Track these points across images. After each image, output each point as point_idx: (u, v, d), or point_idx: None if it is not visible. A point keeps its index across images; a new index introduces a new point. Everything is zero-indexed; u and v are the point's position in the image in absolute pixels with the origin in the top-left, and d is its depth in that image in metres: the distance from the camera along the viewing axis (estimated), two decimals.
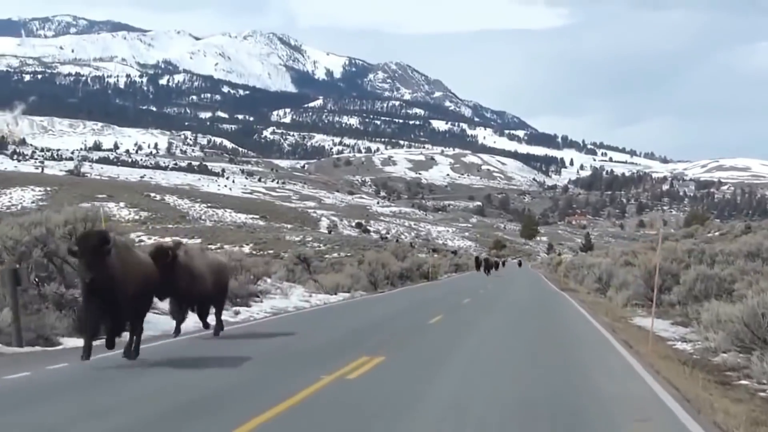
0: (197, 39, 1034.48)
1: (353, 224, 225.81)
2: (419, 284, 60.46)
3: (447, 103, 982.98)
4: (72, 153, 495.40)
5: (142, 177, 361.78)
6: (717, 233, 78.09)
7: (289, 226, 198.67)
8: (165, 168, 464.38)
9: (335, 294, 42.39)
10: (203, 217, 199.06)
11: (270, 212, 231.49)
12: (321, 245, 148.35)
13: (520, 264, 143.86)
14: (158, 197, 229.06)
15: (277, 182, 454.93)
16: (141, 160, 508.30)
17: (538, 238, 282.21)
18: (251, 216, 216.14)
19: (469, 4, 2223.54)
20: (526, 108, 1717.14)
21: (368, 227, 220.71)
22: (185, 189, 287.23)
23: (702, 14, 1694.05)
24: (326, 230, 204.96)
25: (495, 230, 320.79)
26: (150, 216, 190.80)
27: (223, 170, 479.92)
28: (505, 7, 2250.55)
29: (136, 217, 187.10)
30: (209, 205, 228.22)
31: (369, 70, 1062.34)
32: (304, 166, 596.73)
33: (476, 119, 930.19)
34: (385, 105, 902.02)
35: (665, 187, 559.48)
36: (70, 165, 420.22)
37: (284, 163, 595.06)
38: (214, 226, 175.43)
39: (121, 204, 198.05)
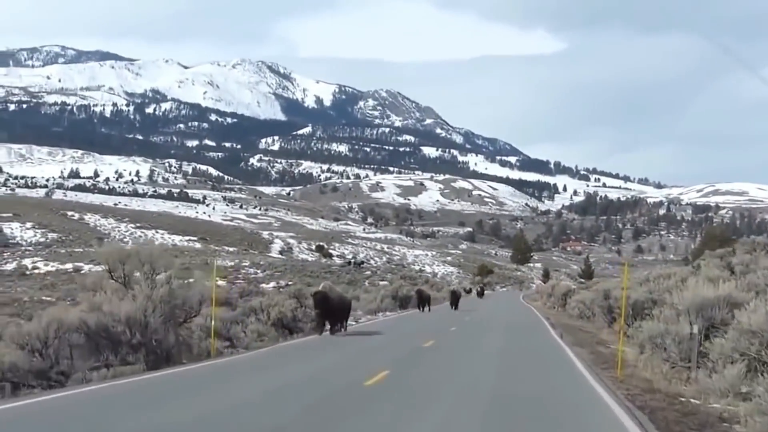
0: (186, 68, 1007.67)
1: (313, 247, 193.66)
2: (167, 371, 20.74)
3: (438, 130, 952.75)
4: (47, 180, 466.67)
5: (116, 204, 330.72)
6: None
7: (231, 249, 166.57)
8: (143, 195, 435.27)
9: None
10: (127, 238, 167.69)
11: (210, 233, 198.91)
12: (258, 271, 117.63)
13: (480, 293, 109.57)
14: (76, 216, 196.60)
15: (260, 209, 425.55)
16: (119, 187, 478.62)
17: (531, 265, 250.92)
18: (188, 238, 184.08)
19: (466, 33, 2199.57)
20: (519, 135, 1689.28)
21: (330, 251, 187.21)
22: (110, 207, 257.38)
23: (703, 40, 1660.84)
24: (278, 254, 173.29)
25: (485, 256, 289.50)
26: (59, 238, 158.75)
27: (205, 197, 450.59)
28: (504, 33, 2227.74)
29: (42, 240, 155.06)
30: (137, 225, 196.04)
31: (359, 98, 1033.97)
32: (289, 193, 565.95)
33: (467, 146, 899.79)
34: (374, 132, 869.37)
35: (662, 211, 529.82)
36: (43, 192, 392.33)
37: (269, 190, 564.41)
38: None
39: (28, 224, 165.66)
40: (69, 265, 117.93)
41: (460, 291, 69.30)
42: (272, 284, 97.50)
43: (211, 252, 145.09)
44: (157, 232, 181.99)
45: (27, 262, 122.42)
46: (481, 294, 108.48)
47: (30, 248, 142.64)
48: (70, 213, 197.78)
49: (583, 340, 32.71)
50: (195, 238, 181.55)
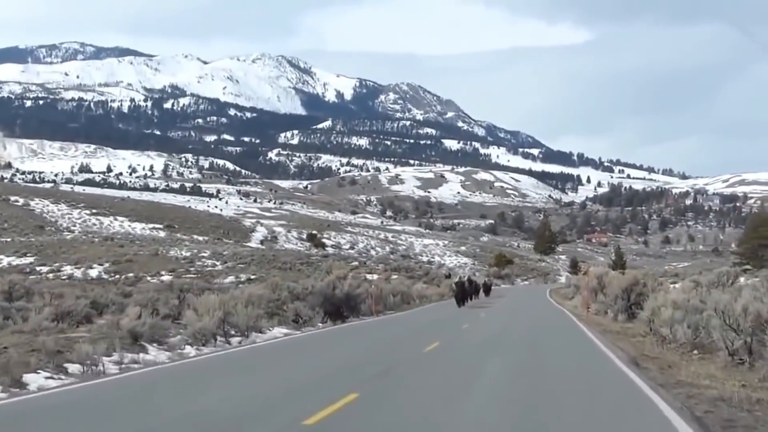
0: (205, 63, 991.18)
1: (304, 236, 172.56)
2: None
3: (459, 123, 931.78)
4: (56, 175, 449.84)
5: (123, 198, 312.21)
6: None
7: (201, 238, 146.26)
8: (155, 189, 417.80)
9: None
10: (76, 226, 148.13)
11: (180, 221, 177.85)
12: (218, 263, 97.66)
13: (461, 296, 59.57)
14: (20, 202, 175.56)
15: (275, 202, 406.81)
16: (130, 182, 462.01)
17: (556, 256, 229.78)
18: (151, 225, 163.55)
19: (490, 25, 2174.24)
20: (542, 128, 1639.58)
21: (324, 240, 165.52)
22: (66, 192, 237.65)
23: (735, 29, 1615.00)
24: (260, 243, 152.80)
25: (507, 248, 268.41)
26: None
27: (218, 191, 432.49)
28: (529, 26, 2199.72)
29: None
30: (93, 211, 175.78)
31: (380, 92, 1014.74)
32: (306, 187, 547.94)
33: (489, 138, 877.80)
34: (395, 125, 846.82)
35: (688, 201, 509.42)
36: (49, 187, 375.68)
37: (286, 184, 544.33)
38: (72, 239, 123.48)
39: None
40: None
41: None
42: (230, 278, 79.15)
43: (174, 241, 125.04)
44: (115, 219, 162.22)
45: None
46: (462, 297, 60.56)
47: None
48: (13, 198, 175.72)
49: None
50: (160, 226, 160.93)
